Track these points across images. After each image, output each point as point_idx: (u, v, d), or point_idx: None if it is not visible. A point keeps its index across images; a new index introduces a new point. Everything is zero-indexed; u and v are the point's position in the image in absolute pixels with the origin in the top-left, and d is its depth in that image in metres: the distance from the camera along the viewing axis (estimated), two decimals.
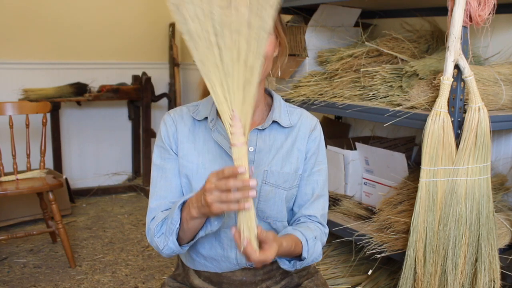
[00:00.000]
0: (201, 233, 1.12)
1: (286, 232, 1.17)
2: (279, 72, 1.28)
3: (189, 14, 0.90)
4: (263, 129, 1.24)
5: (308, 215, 1.26)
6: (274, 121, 1.24)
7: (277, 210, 1.23)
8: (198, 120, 1.25)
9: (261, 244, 1.01)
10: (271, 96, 1.30)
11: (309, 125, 1.28)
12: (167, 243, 1.12)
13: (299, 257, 1.18)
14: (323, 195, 1.29)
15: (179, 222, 1.09)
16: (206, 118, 1.24)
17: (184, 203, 1.11)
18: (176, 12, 0.91)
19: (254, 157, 1.22)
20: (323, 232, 1.27)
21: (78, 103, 3.82)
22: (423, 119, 1.58)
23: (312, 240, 1.18)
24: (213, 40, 0.91)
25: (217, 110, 1.23)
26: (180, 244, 1.13)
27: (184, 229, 1.10)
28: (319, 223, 1.27)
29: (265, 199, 1.21)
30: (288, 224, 1.29)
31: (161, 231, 1.15)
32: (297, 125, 1.27)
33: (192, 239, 1.14)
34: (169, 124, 1.25)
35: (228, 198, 0.96)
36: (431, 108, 1.56)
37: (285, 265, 1.18)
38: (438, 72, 1.65)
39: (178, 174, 1.23)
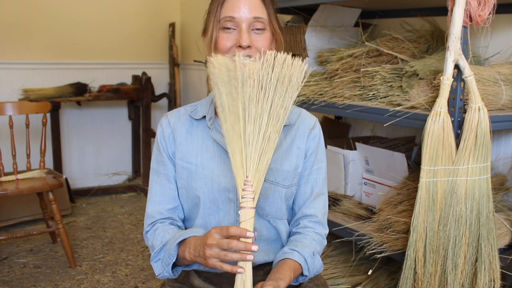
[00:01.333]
0: (195, 266, 1.17)
1: (284, 257, 1.16)
2: None
3: (225, 90, 1.02)
4: None
5: (309, 215, 1.26)
6: None
7: (276, 207, 1.24)
8: (196, 120, 1.26)
9: None
10: None
11: (308, 124, 1.29)
12: (162, 271, 1.15)
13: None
14: (323, 194, 1.29)
15: (175, 257, 1.12)
16: (204, 117, 1.25)
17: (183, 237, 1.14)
18: (215, 87, 1.03)
19: None
20: (322, 236, 1.27)
21: (78, 103, 3.82)
22: (423, 119, 1.58)
23: (311, 258, 1.18)
24: (241, 114, 1.01)
25: (215, 109, 1.25)
26: (175, 266, 1.17)
27: (179, 261, 1.14)
28: (319, 223, 1.27)
29: (264, 196, 1.22)
30: (288, 223, 1.29)
31: (158, 256, 1.17)
32: (296, 123, 1.28)
33: (187, 266, 1.18)
34: (164, 126, 1.26)
35: (227, 257, 0.99)
36: (431, 108, 1.56)
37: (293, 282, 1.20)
38: (438, 72, 1.65)
39: (172, 179, 1.25)
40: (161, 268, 1.15)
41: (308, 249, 1.19)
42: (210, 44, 1.19)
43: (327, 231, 1.30)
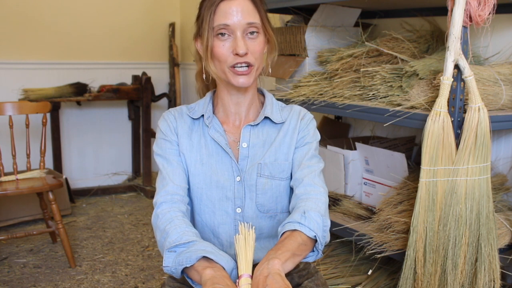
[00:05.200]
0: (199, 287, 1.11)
1: (279, 235, 1.13)
2: (270, 69, 1.30)
3: None
4: (256, 125, 1.27)
5: (295, 181, 1.22)
6: (266, 117, 1.28)
7: (276, 201, 1.25)
8: (194, 119, 1.29)
9: None
10: (263, 95, 1.34)
11: (298, 115, 1.30)
12: (171, 267, 1.09)
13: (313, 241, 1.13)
14: (311, 166, 1.24)
15: (191, 264, 1.06)
16: (202, 116, 1.28)
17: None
18: None
19: (248, 153, 1.25)
20: (318, 193, 1.19)
21: (78, 103, 3.82)
22: (423, 119, 1.58)
23: (302, 217, 1.11)
24: None
25: (213, 108, 1.30)
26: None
27: (189, 269, 1.08)
28: (307, 185, 1.20)
29: (263, 192, 1.23)
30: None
31: (175, 249, 1.10)
32: (288, 118, 1.29)
33: (191, 280, 1.12)
34: (170, 120, 1.28)
35: None
36: (431, 108, 1.56)
37: (311, 257, 1.14)
38: (438, 72, 1.65)
39: (181, 164, 1.25)
40: (173, 262, 1.09)
41: (297, 213, 1.13)
42: (206, 52, 1.19)
43: (322, 189, 1.21)
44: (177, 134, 1.27)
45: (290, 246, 1.07)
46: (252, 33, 1.18)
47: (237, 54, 1.16)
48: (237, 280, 1.03)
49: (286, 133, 1.28)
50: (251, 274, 1.03)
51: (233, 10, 1.15)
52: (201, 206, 1.25)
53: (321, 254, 1.15)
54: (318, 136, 1.31)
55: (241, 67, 1.17)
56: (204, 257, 1.06)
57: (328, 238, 1.17)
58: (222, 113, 1.29)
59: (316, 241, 1.12)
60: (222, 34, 1.17)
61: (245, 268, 1.04)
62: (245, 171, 1.24)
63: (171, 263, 1.09)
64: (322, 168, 1.26)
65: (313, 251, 1.14)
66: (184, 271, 1.10)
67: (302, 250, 1.09)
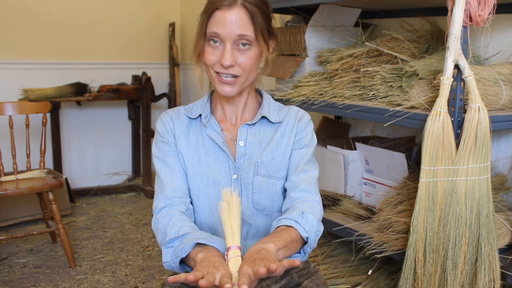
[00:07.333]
0: None
1: (273, 228, 1.14)
2: (260, 82, 1.34)
3: None
4: (253, 124, 1.28)
5: (291, 186, 1.24)
6: (263, 117, 1.29)
7: (272, 200, 1.26)
8: (192, 119, 1.30)
9: None
10: (261, 96, 1.35)
11: (296, 116, 1.31)
12: (170, 261, 1.12)
13: (303, 243, 1.15)
14: (307, 170, 1.26)
15: (188, 253, 1.08)
16: (200, 116, 1.30)
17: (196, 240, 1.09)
18: None
19: (245, 151, 1.26)
20: (314, 200, 1.22)
21: (78, 103, 3.82)
22: (423, 119, 1.58)
23: (300, 216, 1.13)
24: None
25: (210, 108, 1.31)
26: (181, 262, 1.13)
27: (187, 259, 1.11)
28: (304, 191, 1.22)
29: (259, 190, 1.25)
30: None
31: (172, 244, 1.13)
32: (286, 119, 1.31)
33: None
34: (167, 121, 1.30)
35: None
36: (431, 108, 1.56)
37: (296, 258, 1.16)
38: (438, 72, 1.65)
39: (180, 164, 1.27)
40: (171, 256, 1.11)
41: (295, 211, 1.15)
42: (195, 52, 1.22)
43: (318, 198, 1.24)
44: (174, 135, 1.28)
45: (285, 238, 1.09)
46: (244, 44, 1.17)
47: (221, 65, 1.17)
48: (226, 253, 1.02)
49: (283, 133, 1.29)
50: (239, 245, 1.02)
51: (227, 20, 1.15)
52: (199, 204, 1.26)
53: (307, 256, 1.18)
54: (316, 140, 1.33)
55: (226, 76, 1.19)
56: (198, 244, 1.08)
57: (315, 244, 1.19)
58: (219, 112, 1.31)
59: (305, 243, 1.15)
60: (214, 41, 1.18)
61: (232, 240, 1.03)
62: (242, 170, 1.25)
63: (169, 257, 1.12)
64: (318, 176, 1.29)
65: (299, 252, 1.16)
66: (183, 263, 1.12)
67: (293, 247, 1.12)
